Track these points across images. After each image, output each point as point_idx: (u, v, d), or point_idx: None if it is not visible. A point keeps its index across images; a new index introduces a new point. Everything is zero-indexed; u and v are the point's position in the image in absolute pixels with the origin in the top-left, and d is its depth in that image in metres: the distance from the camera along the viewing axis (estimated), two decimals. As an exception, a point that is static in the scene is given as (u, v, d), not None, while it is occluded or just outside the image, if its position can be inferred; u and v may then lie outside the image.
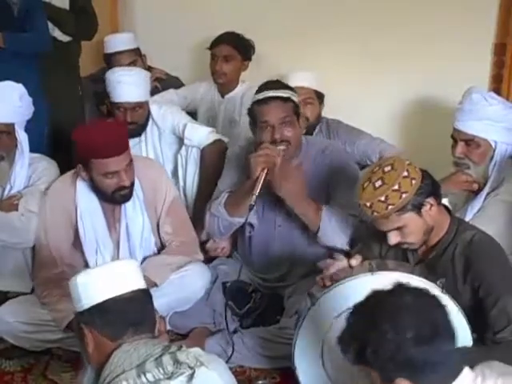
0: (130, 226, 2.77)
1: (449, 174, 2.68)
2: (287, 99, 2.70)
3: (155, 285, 2.62)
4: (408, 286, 1.49)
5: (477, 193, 2.63)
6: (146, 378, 1.55)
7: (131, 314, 1.68)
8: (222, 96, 3.81)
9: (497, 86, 3.54)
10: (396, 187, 2.08)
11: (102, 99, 3.63)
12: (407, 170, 2.10)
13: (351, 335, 1.48)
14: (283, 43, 3.83)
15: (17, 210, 2.81)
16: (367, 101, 3.69)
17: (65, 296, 2.56)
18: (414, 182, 2.10)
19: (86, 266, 2.74)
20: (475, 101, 2.57)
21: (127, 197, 2.69)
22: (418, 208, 2.11)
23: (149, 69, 3.80)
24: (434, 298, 1.47)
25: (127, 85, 3.21)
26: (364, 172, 2.19)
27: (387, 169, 2.13)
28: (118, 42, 3.81)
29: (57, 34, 3.53)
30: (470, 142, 2.58)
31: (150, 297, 1.78)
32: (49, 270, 2.71)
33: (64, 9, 3.53)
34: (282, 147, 2.66)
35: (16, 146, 2.89)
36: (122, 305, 1.67)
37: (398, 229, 2.14)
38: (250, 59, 3.79)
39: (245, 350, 2.57)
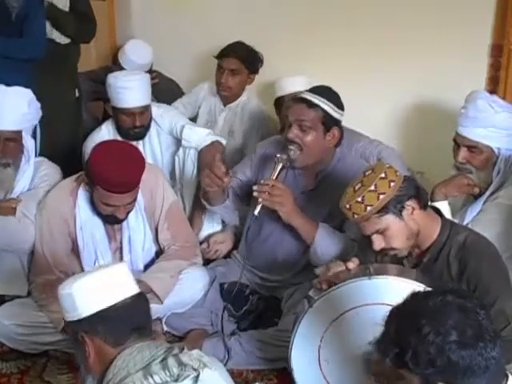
0: (133, 237, 2.77)
1: (450, 177, 2.67)
2: (314, 105, 2.67)
3: (161, 302, 2.65)
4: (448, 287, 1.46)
5: (477, 197, 2.63)
6: (154, 380, 1.55)
7: (135, 319, 1.68)
8: (224, 105, 3.80)
9: (493, 87, 3.54)
10: (372, 188, 2.09)
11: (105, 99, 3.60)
12: (385, 172, 2.12)
13: (391, 340, 1.42)
14: (283, 45, 3.83)
15: (14, 214, 2.76)
16: (364, 103, 3.69)
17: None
18: (392, 184, 2.11)
19: (83, 273, 2.74)
20: (481, 108, 2.55)
21: (119, 222, 2.68)
22: (398, 211, 2.11)
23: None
24: (476, 300, 1.42)
25: (134, 90, 3.18)
26: None
27: (368, 172, 2.16)
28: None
29: (55, 35, 3.49)
30: (473, 148, 2.58)
31: (147, 300, 1.79)
32: (44, 276, 2.70)
33: (64, 10, 3.50)
34: (291, 147, 2.68)
35: (22, 152, 2.85)
36: (125, 311, 1.67)
37: (380, 232, 2.14)
38: (256, 72, 3.77)
39: (242, 352, 2.57)
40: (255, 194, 2.60)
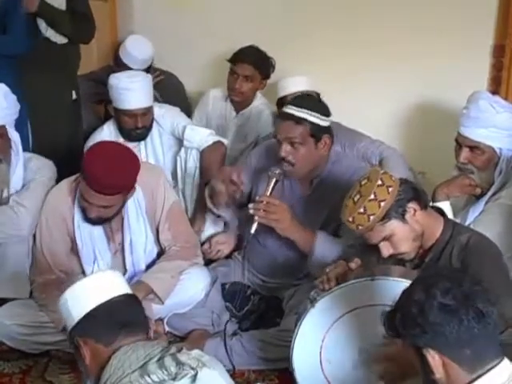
0: (134, 240, 2.76)
1: (452, 178, 2.67)
2: (301, 120, 2.64)
3: (162, 302, 2.65)
4: None
5: (478, 197, 2.63)
6: (151, 379, 1.55)
7: (119, 314, 1.70)
8: (237, 112, 3.79)
9: (495, 87, 3.55)
10: (372, 197, 2.09)
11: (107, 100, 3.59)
12: (381, 179, 2.11)
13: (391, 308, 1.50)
14: (283, 45, 3.82)
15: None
16: (365, 103, 3.70)
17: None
18: (390, 189, 2.11)
19: (83, 273, 2.72)
20: (482, 108, 2.55)
21: (93, 223, 2.66)
22: (401, 215, 2.11)
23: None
24: (480, 282, 1.46)
25: (136, 91, 3.16)
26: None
27: (364, 182, 2.15)
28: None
29: (49, 34, 3.46)
30: (475, 148, 2.58)
31: (138, 299, 1.81)
32: (45, 276, 2.71)
33: (59, 9, 3.49)
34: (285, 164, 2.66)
35: (10, 146, 2.85)
36: (109, 307, 1.70)
37: (387, 239, 2.14)
38: (268, 78, 3.75)
39: (243, 353, 2.57)
40: (251, 211, 2.59)
